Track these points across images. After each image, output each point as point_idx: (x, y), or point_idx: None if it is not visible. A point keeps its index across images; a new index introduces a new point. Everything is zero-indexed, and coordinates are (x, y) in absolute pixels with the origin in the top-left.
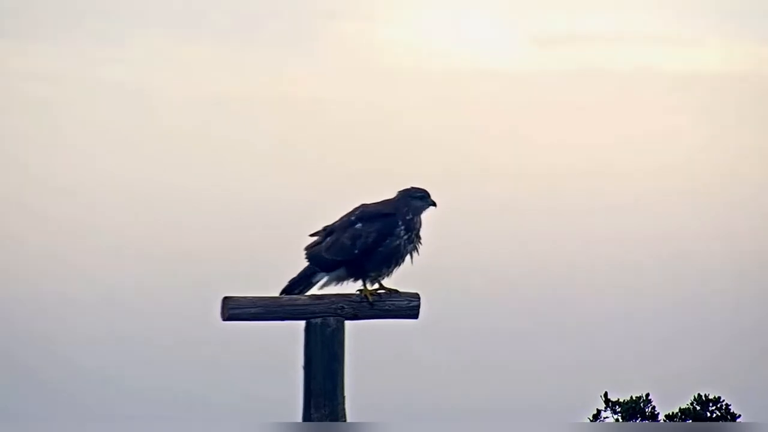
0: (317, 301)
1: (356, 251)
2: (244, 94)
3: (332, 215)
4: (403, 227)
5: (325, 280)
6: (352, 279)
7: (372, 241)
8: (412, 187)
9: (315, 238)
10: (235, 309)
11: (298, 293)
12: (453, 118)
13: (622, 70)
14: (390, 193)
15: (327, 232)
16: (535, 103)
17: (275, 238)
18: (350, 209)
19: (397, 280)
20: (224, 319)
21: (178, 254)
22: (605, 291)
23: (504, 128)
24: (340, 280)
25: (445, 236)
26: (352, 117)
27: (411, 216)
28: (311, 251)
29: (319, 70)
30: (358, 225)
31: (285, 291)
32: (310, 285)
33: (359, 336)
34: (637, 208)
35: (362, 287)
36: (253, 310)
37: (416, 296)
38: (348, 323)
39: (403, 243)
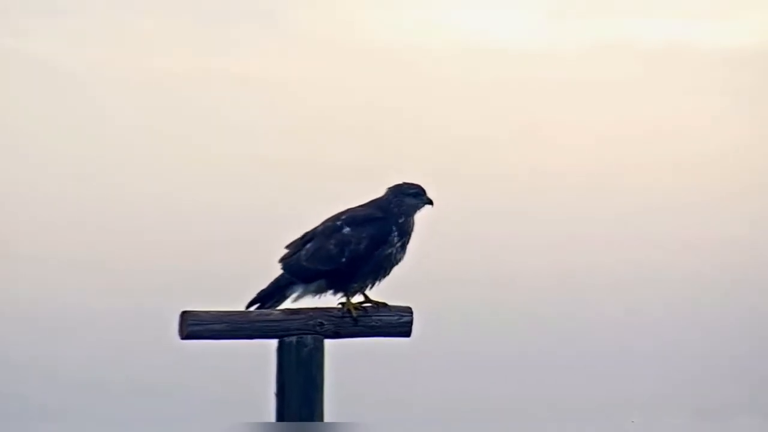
0: (292, 317)
1: (344, 260)
2: (200, 74)
3: (307, 216)
4: (396, 233)
5: (299, 292)
6: (331, 291)
7: (364, 248)
8: (404, 183)
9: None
10: (195, 325)
11: (268, 307)
12: (452, 104)
13: (649, 48)
14: (377, 193)
15: (306, 239)
16: (548, 87)
17: (242, 243)
18: (331, 213)
19: (385, 291)
20: (183, 338)
21: (125, 262)
22: (636, 309)
23: (511, 116)
24: (318, 292)
25: (442, 240)
26: (331, 102)
27: (404, 218)
28: (288, 260)
29: (291, 46)
30: (347, 230)
31: (253, 303)
32: (284, 298)
33: (341, 357)
34: (670, 209)
35: (344, 300)
36: (216, 327)
37: (408, 310)
38: (328, 342)
39: (395, 251)
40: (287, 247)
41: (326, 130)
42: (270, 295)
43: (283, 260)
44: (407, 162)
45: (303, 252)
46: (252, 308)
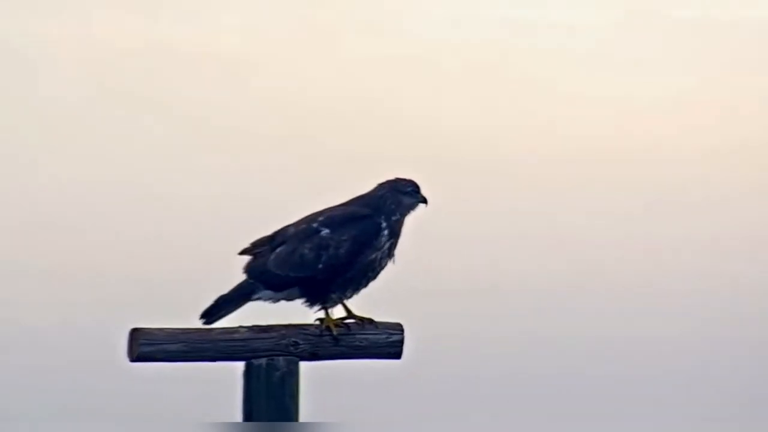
0: (261, 335)
1: (320, 266)
2: (156, 51)
3: (281, 216)
4: (386, 232)
5: (269, 302)
6: (306, 303)
7: (345, 252)
8: (398, 179)
9: (248, 257)
10: (147, 345)
11: (225, 314)
12: (448, 84)
13: (683, 18)
14: (359, 189)
15: (276, 242)
16: (565, 63)
17: (203, 246)
18: (309, 212)
19: (372, 305)
20: (132, 360)
21: (62, 268)
22: (670, 324)
23: (517, 97)
24: (288, 299)
25: (439, 245)
26: (304, 85)
27: (398, 216)
28: (254, 264)
29: (260, 21)
30: (325, 231)
31: (210, 312)
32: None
33: (319, 383)
34: (707, 205)
35: (323, 315)
36: (172, 347)
37: (399, 328)
38: (303, 365)
39: (381, 255)
40: (253, 245)
41: (299, 116)
42: (230, 302)
43: (248, 265)
44: (392, 152)
45: (272, 256)
46: (207, 318)
